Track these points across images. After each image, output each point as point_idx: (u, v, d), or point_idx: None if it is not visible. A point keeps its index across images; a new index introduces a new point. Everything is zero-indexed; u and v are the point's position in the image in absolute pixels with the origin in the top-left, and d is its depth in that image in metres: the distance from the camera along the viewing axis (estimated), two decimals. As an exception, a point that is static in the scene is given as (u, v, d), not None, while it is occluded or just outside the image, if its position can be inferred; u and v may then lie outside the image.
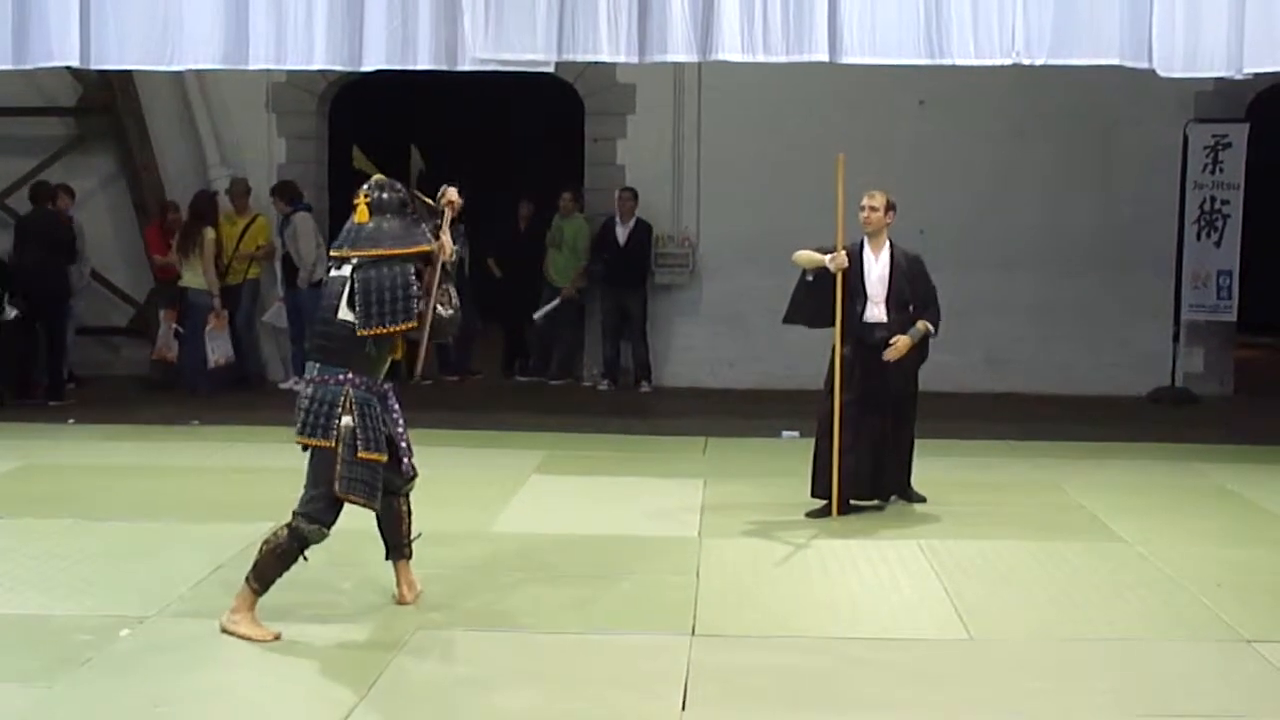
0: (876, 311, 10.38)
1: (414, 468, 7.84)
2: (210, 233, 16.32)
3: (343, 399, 7.32)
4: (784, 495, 10.97)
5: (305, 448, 7.50)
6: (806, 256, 10.32)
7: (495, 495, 10.81)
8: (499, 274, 18.03)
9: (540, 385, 17.56)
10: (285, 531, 7.41)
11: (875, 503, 10.52)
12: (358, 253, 7.31)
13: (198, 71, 14.87)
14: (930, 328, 10.50)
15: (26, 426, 13.90)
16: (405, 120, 23.74)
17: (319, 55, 11.69)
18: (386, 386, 7.61)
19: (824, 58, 11.28)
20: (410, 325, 7.31)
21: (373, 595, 8.15)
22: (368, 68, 11.75)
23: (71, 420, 14.26)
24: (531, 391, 17.25)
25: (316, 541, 7.44)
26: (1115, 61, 11.21)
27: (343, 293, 7.31)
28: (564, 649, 7.30)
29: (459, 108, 21.95)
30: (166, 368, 16.85)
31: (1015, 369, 17.28)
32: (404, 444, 7.72)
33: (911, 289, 10.49)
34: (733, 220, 17.36)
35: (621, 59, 11.73)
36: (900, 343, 10.29)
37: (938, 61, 11.31)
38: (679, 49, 11.37)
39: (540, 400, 16.46)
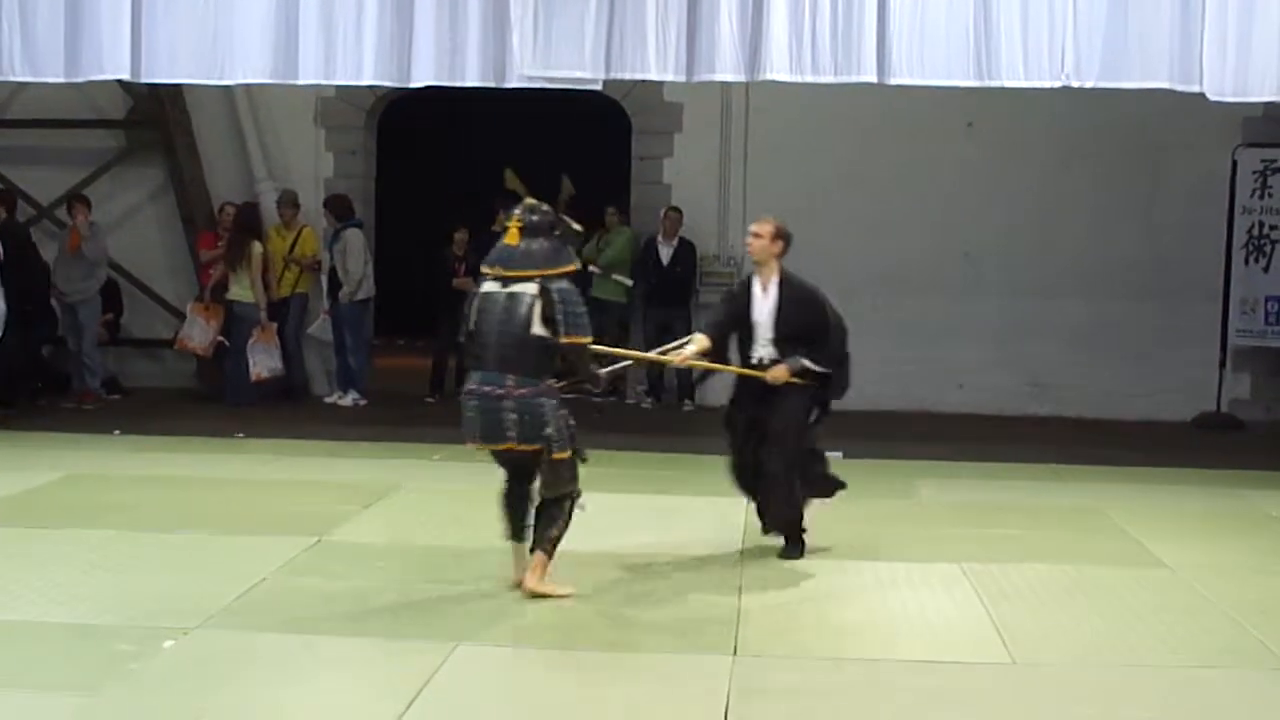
0: (765, 351, 9.51)
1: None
2: (258, 246, 16.41)
3: (550, 407, 8.37)
4: (826, 515, 10.95)
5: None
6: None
7: (537, 512, 10.81)
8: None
9: (583, 403, 17.52)
10: (569, 504, 8.54)
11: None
12: (512, 273, 8.23)
13: (247, 86, 14.97)
14: (809, 365, 9.44)
15: (71, 437, 13.97)
16: (451, 136, 23.89)
17: (368, 71, 11.78)
18: None
19: (872, 79, 11.29)
20: (589, 340, 8.44)
21: (414, 612, 8.15)
22: (416, 83, 11.82)
23: (117, 431, 14.32)
24: (574, 409, 17.22)
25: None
26: (1165, 85, 11.19)
27: (530, 311, 8.14)
28: (604, 668, 7.29)
29: (505, 124, 22.00)
30: (210, 380, 16.95)
31: (1060, 393, 17.22)
32: None
33: (802, 323, 9.49)
34: (778, 240, 17.32)
35: (669, 78, 11.77)
36: (777, 369, 9.41)
37: (986, 83, 11.31)
38: (727, 69, 11.39)
39: (583, 417, 16.40)
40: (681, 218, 17.06)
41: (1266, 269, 16.68)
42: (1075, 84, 11.22)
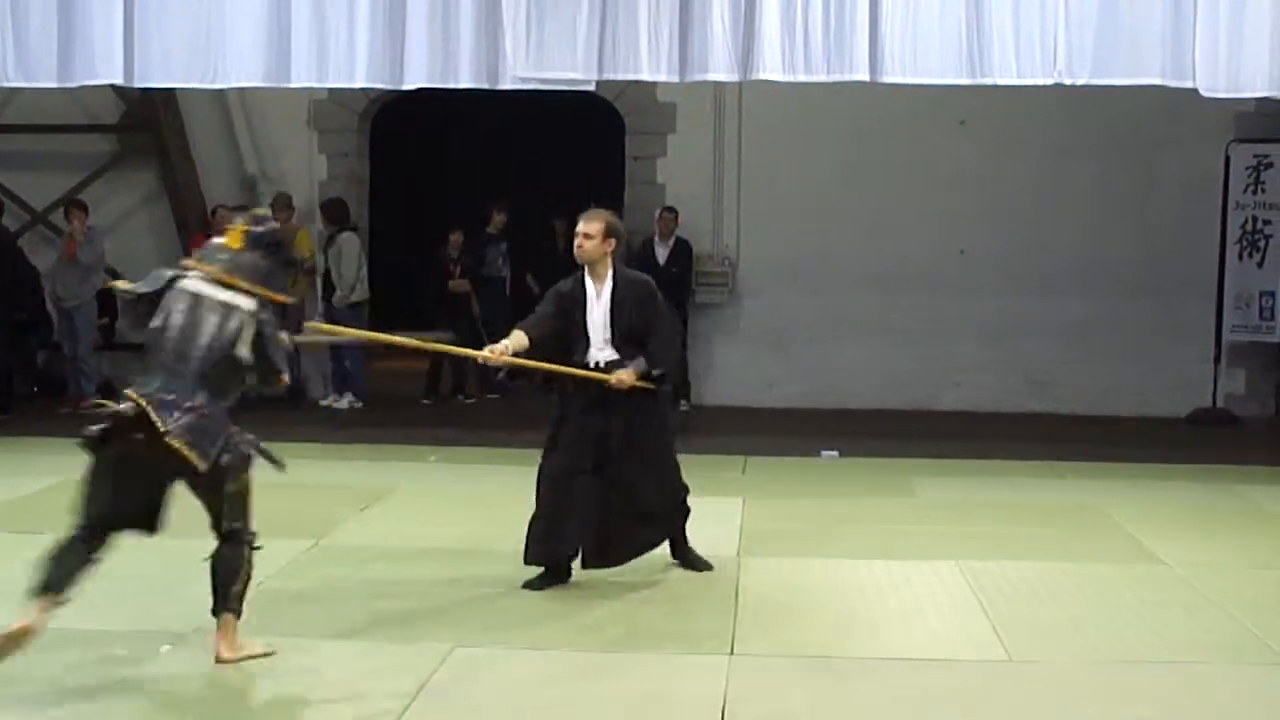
0: (602, 355, 8.78)
1: None
2: (252, 250, 16.42)
3: (229, 430, 7.21)
4: (823, 515, 10.97)
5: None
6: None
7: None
8: (538, 292, 18.03)
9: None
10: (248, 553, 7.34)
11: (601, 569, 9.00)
12: (233, 280, 7.18)
13: (240, 89, 14.97)
14: (649, 367, 8.77)
15: (66, 442, 13.85)
16: (444, 138, 23.88)
17: (360, 73, 11.76)
18: None
19: (865, 78, 11.28)
20: (279, 378, 7.43)
21: (412, 613, 8.16)
22: (409, 86, 11.80)
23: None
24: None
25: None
26: (1157, 81, 11.18)
27: (241, 329, 7.11)
28: (602, 668, 7.29)
29: (497, 125, 22.00)
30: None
31: (1055, 390, 17.24)
32: None
33: (641, 321, 8.85)
34: (772, 240, 17.37)
35: (662, 78, 11.75)
36: (622, 372, 8.64)
37: (979, 81, 11.29)
38: (720, 68, 11.38)
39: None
40: (677, 218, 17.05)
41: (1261, 264, 16.70)
42: (1068, 81, 11.21)
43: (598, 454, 8.71)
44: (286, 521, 10.37)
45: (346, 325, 16.55)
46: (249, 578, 7.27)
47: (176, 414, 6.87)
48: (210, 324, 7.07)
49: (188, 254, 17.25)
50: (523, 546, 8.77)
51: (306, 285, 17.20)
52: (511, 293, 18.09)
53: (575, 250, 8.85)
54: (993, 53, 11.15)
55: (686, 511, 9.18)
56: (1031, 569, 9.37)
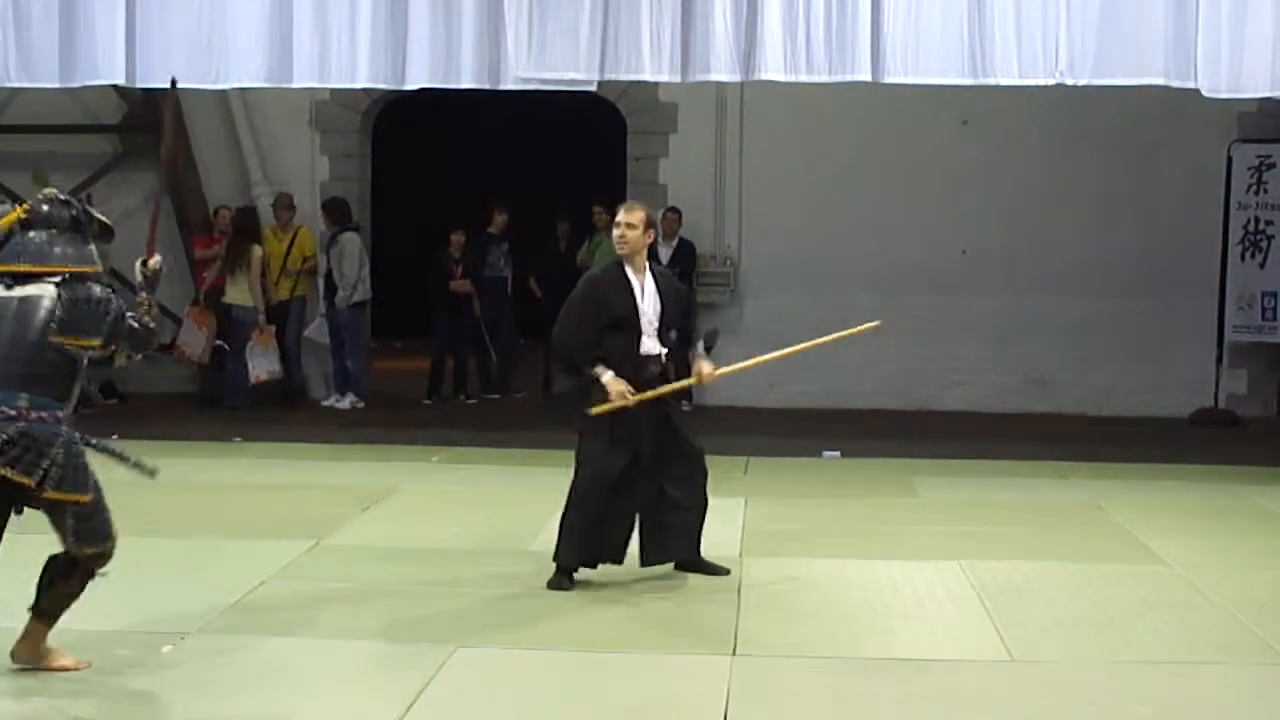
0: (651, 343, 8.82)
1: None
2: (258, 250, 16.45)
3: (64, 438, 6.76)
4: (825, 514, 10.96)
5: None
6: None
7: (535, 513, 10.75)
8: (539, 293, 18.05)
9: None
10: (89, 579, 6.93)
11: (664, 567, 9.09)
12: (22, 268, 6.80)
13: (242, 89, 14.96)
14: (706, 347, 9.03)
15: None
16: (446, 138, 23.88)
17: (362, 73, 11.76)
18: None
19: (866, 78, 11.28)
20: (93, 344, 6.97)
21: (413, 614, 8.15)
22: (411, 86, 11.81)
23: (115, 436, 14.26)
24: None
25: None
26: (1160, 82, 11.18)
27: (49, 316, 6.69)
28: (604, 668, 7.30)
29: (499, 125, 22.00)
30: (208, 383, 16.94)
31: (1056, 390, 17.23)
32: None
33: (678, 308, 9.03)
34: (774, 240, 17.37)
35: (664, 78, 11.76)
36: (708, 366, 8.95)
37: (980, 81, 11.30)
38: (721, 69, 11.39)
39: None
40: (680, 218, 17.03)
41: (1263, 264, 16.69)
42: (1069, 81, 11.21)
43: (642, 452, 8.73)
44: (288, 521, 10.43)
45: (349, 325, 16.67)
46: (76, 597, 6.89)
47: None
48: (8, 328, 6.65)
49: (189, 254, 17.38)
50: (554, 545, 8.79)
51: (308, 284, 17.22)
52: (513, 293, 18.09)
53: (617, 241, 8.90)
54: (994, 53, 11.15)
55: (707, 506, 9.15)
56: (1033, 569, 9.37)
